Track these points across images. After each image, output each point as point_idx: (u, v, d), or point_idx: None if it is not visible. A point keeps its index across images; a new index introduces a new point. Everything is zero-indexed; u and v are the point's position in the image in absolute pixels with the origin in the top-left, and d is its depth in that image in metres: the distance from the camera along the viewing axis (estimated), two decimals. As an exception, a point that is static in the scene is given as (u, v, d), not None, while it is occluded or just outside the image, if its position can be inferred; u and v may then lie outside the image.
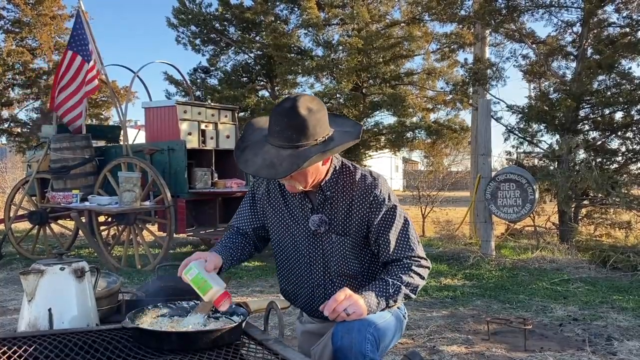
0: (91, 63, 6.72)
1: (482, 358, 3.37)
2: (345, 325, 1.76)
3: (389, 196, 1.92)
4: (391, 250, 1.90)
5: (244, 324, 1.70)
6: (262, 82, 13.99)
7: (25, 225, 8.08)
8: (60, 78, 6.91)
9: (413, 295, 1.91)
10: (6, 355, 1.48)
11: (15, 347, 1.52)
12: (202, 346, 1.54)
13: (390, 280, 1.86)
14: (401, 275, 1.88)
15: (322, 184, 1.91)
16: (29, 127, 20.12)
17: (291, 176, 1.79)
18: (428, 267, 1.95)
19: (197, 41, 13.67)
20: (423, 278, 1.93)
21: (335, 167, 1.94)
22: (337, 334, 1.76)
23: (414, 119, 12.75)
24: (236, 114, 7.74)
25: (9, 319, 4.29)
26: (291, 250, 2.02)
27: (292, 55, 12.40)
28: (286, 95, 1.97)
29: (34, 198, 7.48)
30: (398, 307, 2.07)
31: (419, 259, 1.92)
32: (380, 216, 1.89)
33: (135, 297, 2.35)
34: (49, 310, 1.73)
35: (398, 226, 1.92)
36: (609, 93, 7.83)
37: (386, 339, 1.89)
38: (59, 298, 1.76)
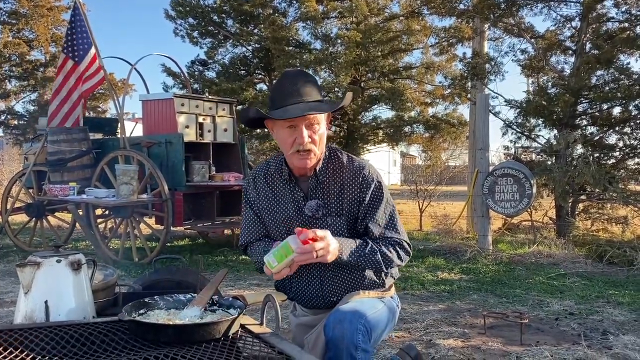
0: (87, 59, 6.66)
1: (478, 352, 3.38)
2: (337, 316, 1.79)
3: (376, 177, 2.01)
4: (378, 230, 1.98)
5: (240, 317, 1.70)
6: (260, 75, 13.93)
7: (22, 217, 8.07)
8: (56, 89, 6.94)
9: (385, 269, 1.98)
10: (2, 347, 1.48)
11: (11, 339, 1.52)
12: (198, 339, 1.54)
13: (371, 243, 1.95)
14: (382, 245, 1.96)
15: (317, 169, 1.98)
16: (26, 119, 20.06)
17: (313, 139, 1.89)
18: (409, 253, 2.03)
19: (195, 34, 13.59)
20: (401, 259, 2.00)
21: (326, 153, 2.02)
22: (328, 325, 1.79)
23: (412, 113, 12.72)
24: (234, 107, 7.72)
25: (5, 312, 4.29)
26: None
27: (290, 48, 12.34)
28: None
29: (31, 190, 7.47)
30: (391, 297, 2.09)
31: (402, 243, 2.00)
32: (369, 195, 1.98)
33: (132, 290, 2.35)
34: (46, 302, 1.73)
35: (387, 209, 2.00)
36: (607, 88, 7.83)
37: (378, 329, 1.92)
38: (55, 290, 1.75)
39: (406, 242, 2.02)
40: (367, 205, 1.98)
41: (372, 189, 1.98)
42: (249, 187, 2.11)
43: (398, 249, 1.98)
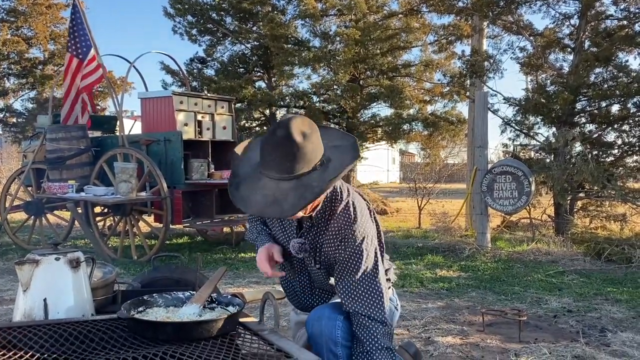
0: (89, 56, 6.71)
1: (476, 349, 3.39)
2: (317, 314, 1.81)
3: (362, 239, 1.81)
4: (354, 304, 1.79)
5: (239, 315, 1.70)
6: (259, 73, 13.92)
7: (21, 215, 8.06)
8: (66, 92, 7.02)
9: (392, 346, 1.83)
10: (1, 345, 1.48)
11: (10, 337, 1.52)
12: (197, 336, 1.55)
13: None
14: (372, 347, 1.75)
15: (314, 212, 1.83)
16: (25, 117, 20.02)
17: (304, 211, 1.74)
18: (390, 334, 1.83)
19: (194, 31, 13.57)
20: (390, 338, 1.81)
21: (328, 195, 1.82)
22: (308, 322, 1.82)
23: (411, 111, 12.71)
24: (233, 105, 7.71)
25: (4, 309, 4.29)
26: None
27: (289, 46, 12.32)
28: (278, 120, 1.78)
29: (29, 188, 7.46)
30: (390, 299, 2.10)
31: (384, 326, 1.79)
32: (345, 257, 1.80)
33: (131, 288, 2.36)
34: (44, 300, 1.73)
35: (364, 276, 1.80)
36: (605, 86, 7.83)
37: None
38: (54, 288, 1.76)
39: (385, 322, 1.79)
40: (342, 269, 1.80)
41: (349, 252, 1.79)
42: None
43: (386, 344, 1.77)
